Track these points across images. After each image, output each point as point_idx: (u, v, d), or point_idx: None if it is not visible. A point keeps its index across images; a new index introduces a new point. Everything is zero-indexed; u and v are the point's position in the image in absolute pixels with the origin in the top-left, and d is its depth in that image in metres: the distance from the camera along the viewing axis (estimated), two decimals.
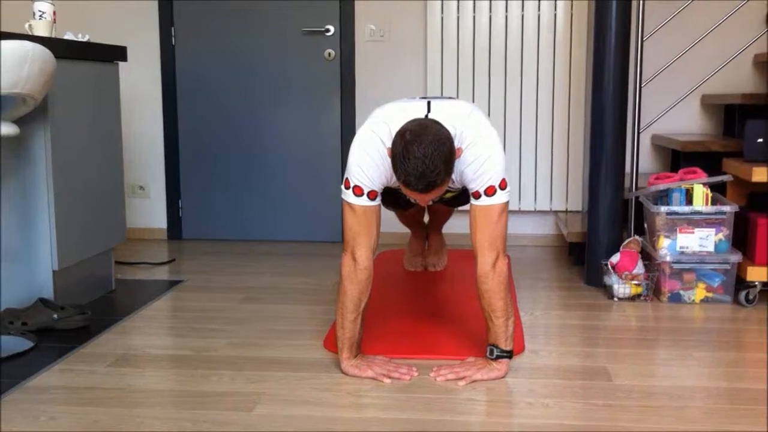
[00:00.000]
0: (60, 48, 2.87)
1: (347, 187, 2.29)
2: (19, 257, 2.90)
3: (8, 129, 2.50)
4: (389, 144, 2.19)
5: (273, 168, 4.43)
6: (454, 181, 2.31)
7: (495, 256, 2.25)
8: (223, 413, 2.05)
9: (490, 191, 2.23)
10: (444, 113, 2.24)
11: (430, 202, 2.35)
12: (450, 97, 2.48)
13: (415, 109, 2.27)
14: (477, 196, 2.25)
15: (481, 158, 2.21)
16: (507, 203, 2.28)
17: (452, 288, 3.29)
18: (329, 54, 4.29)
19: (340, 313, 2.31)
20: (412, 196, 2.15)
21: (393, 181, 2.30)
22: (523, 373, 2.32)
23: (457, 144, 2.19)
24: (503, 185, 2.24)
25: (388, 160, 2.21)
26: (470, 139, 2.22)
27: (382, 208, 2.44)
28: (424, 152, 2.02)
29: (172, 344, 2.68)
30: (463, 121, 2.23)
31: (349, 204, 2.30)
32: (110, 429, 1.96)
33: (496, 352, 2.28)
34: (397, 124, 2.17)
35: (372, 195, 2.27)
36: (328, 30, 4.29)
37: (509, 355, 2.29)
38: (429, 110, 2.26)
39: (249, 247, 4.30)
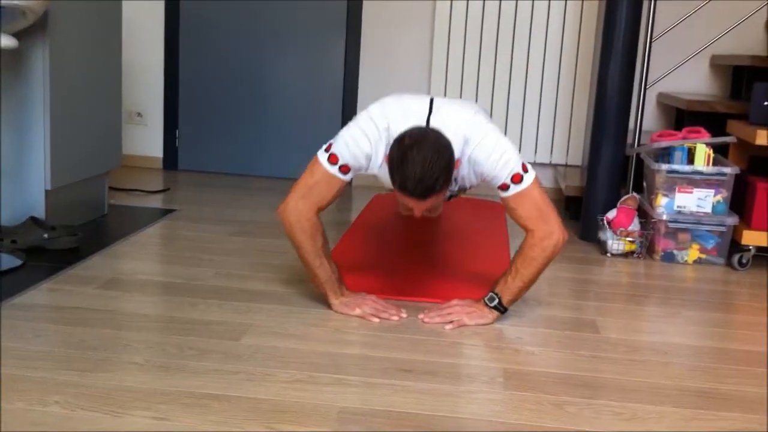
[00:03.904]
0: None
1: (327, 150, 2.24)
2: (12, 175, 2.87)
3: (7, 41, 2.45)
4: (384, 139, 2.16)
5: (273, 104, 4.38)
6: (467, 180, 2.28)
7: (551, 227, 2.20)
8: (209, 341, 2.05)
9: (516, 179, 2.17)
10: (446, 115, 2.18)
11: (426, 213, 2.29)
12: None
13: (417, 110, 2.20)
14: (505, 188, 2.19)
15: (495, 152, 2.16)
16: (537, 178, 2.22)
17: (445, 233, 3.28)
18: None
19: (306, 265, 2.29)
20: (408, 204, 2.10)
21: (374, 175, 2.27)
22: (511, 320, 2.32)
23: (459, 151, 2.14)
24: (525, 168, 2.19)
25: (376, 150, 2.18)
26: (477, 139, 2.16)
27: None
28: (423, 157, 1.98)
29: (162, 271, 2.68)
30: (467, 125, 2.17)
31: (318, 163, 2.24)
32: (95, 349, 1.96)
33: (496, 302, 2.27)
34: (397, 122, 2.13)
35: (344, 169, 2.23)
36: None
37: (504, 311, 2.29)
38: (431, 111, 2.19)
39: (244, 182, 4.27)
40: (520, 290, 2.26)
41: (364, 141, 2.19)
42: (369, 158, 2.21)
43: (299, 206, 2.25)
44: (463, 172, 2.24)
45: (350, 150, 2.20)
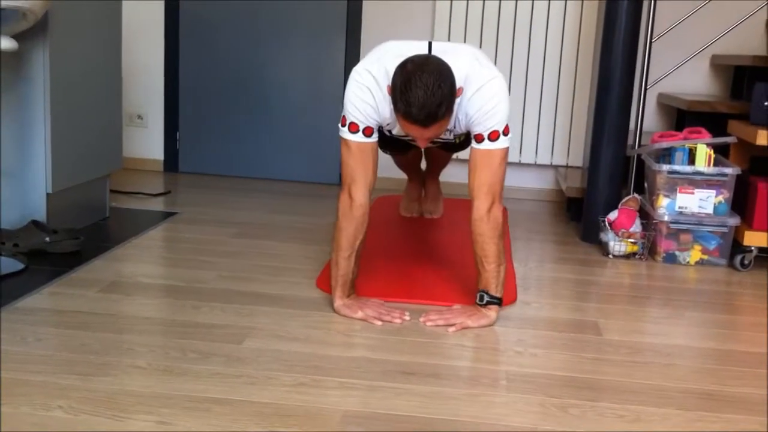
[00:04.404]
0: None
1: (343, 125, 2.27)
2: (13, 178, 2.86)
3: (7, 43, 2.45)
4: (384, 82, 2.16)
5: (273, 105, 4.38)
6: (458, 124, 2.28)
7: (491, 201, 2.24)
8: (212, 344, 2.05)
9: (493, 136, 2.20)
10: (447, 54, 2.18)
11: (430, 144, 2.31)
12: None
13: (415, 49, 2.22)
14: (480, 139, 2.22)
15: (489, 103, 2.18)
16: (507, 149, 2.25)
17: (447, 235, 3.28)
18: None
19: (335, 250, 2.31)
20: (412, 132, 2.11)
21: (388, 122, 2.27)
22: (513, 322, 2.32)
23: (459, 84, 2.14)
24: (506, 131, 2.22)
25: (383, 98, 2.19)
26: (478, 83, 2.18)
27: (380, 152, 2.41)
28: (426, 82, 1.99)
29: (164, 274, 2.68)
30: (469, 64, 2.19)
31: (345, 141, 2.27)
32: (97, 353, 1.95)
33: (486, 298, 2.27)
34: (394, 63, 2.13)
35: (368, 132, 2.25)
36: None
37: (499, 301, 2.28)
38: (430, 51, 2.21)
39: (245, 184, 4.27)
40: (497, 272, 2.26)
41: (366, 94, 2.21)
42: (377, 109, 2.22)
43: (353, 193, 2.27)
44: (458, 113, 2.24)
45: (359, 110, 2.22)
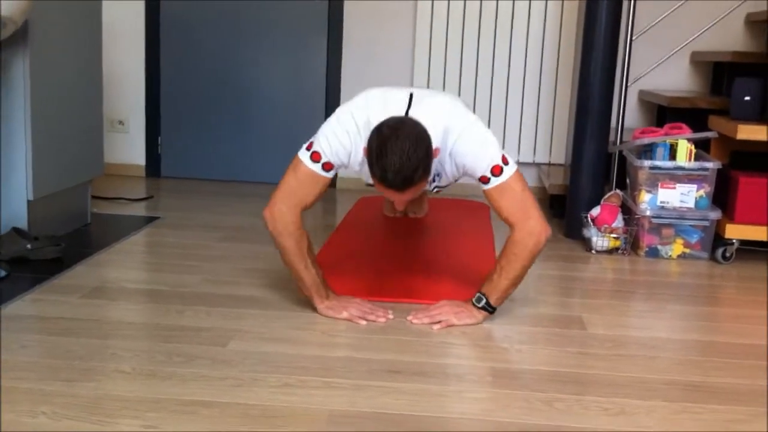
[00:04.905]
0: None
1: (308, 149, 2.23)
2: None
3: None
4: (365, 133, 2.14)
5: (255, 108, 4.37)
6: (446, 176, 2.28)
7: (533, 223, 2.19)
8: (197, 347, 2.04)
9: (496, 170, 2.17)
10: (426, 107, 2.18)
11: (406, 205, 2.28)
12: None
13: (397, 101, 2.20)
14: (486, 180, 2.19)
15: (476, 145, 2.17)
16: (519, 171, 2.22)
17: (431, 234, 3.28)
18: None
19: (291, 267, 2.28)
20: (388, 196, 2.11)
21: (356, 171, 2.27)
22: (498, 319, 2.32)
23: (439, 142, 2.14)
24: (505, 161, 2.19)
25: (359, 149, 2.17)
26: (458, 131, 2.16)
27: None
28: (401, 147, 1.97)
29: (147, 279, 2.66)
30: (447, 116, 2.17)
31: (299, 163, 2.23)
32: (82, 358, 1.94)
33: (483, 302, 2.27)
34: (376, 115, 2.12)
35: (327, 167, 2.22)
36: None
37: (493, 311, 2.29)
38: (410, 104, 2.19)
39: (228, 188, 4.26)
40: (506, 289, 2.26)
41: (344, 137, 2.19)
42: (349, 155, 2.21)
43: (284, 210, 2.24)
44: (446, 165, 2.23)
45: (331, 146, 2.20)
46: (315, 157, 2.21)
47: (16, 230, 2.74)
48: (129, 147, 4.47)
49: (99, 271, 2.69)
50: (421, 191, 2.13)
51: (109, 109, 4.34)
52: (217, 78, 4.36)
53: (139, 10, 4.32)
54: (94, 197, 3.52)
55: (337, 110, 2.26)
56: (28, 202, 2.86)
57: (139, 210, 3.64)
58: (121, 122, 4.44)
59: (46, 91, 2.89)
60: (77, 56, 3.11)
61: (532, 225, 2.19)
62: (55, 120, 2.98)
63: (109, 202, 3.74)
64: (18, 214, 2.86)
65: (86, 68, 3.18)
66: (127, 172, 4.46)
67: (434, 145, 2.10)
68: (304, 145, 2.26)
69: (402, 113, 2.15)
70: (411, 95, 2.23)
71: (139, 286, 2.57)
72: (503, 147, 4.14)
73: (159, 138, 4.45)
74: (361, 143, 2.17)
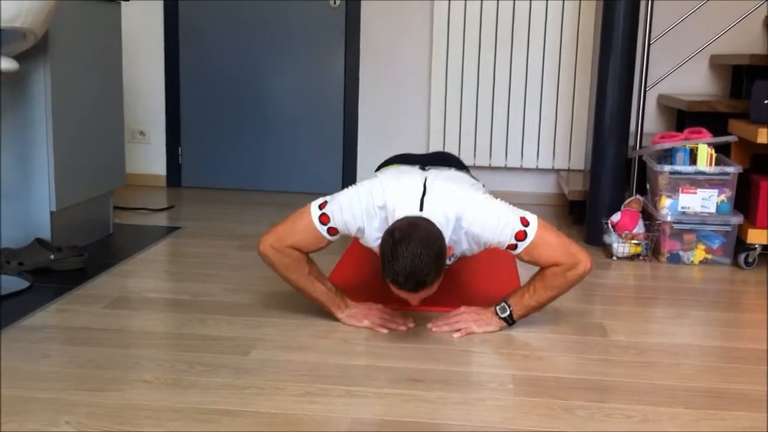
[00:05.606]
0: None
1: (320, 208, 2.22)
2: (17, 197, 2.88)
3: (8, 64, 2.46)
4: (381, 214, 2.15)
5: (274, 117, 4.40)
6: (470, 251, 2.28)
7: (578, 258, 2.19)
8: (219, 356, 2.05)
9: (520, 236, 2.16)
10: (439, 195, 2.15)
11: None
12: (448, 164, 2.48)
13: (412, 189, 2.17)
14: (513, 247, 2.18)
15: (491, 221, 2.16)
16: (541, 220, 2.21)
17: None
18: (334, 1, 4.23)
19: (299, 289, 2.30)
20: (401, 296, 2.09)
21: (365, 244, 2.27)
22: (518, 326, 2.31)
23: (453, 228, 2.14)
24: (525, 222, 2.18)
25: (367, 226, 2.18)
26: (469, 214, 2.15)
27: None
28: (413, 251, 1.96)
29: (169, 288, 2.68)
30: (459, 203, 2.16)
31: (308, 214, 2.23)
32: (105, 368, 1.96)
33: (507, 313, 2.27)
34: (393, 201, 2.13)
35: (332, 231, 2.22)
36: None
37: (512, 323, 2.29)
38: (425, 191, 2.16)
39: (248, 197, 4.28)
40: (532, 309, 2.27)
41: (359, 213, 2.18)
42: (361, 231, 2.21)
43: (276, 247, 2.24)
44: (464, 246, 2.23)
45: (343, 216, 2.19)
46: (323, 219, 2.21)
47: (39, 241, 2.77)
48: (150, 157, 4.51)
49: (121, 281, 2.71)
50: (433, 291, 2.11)
51: (129, 119, 4.38)
52: (236, 88, 4.39)
53: (158, 19, 4.36)
54: (116, 207, 3.55)
55: (359, 185, 2.24)
56: (51, 213, 2.89)
57: (161, 220, 3.67)
58: (142, 132, 4.48)
59: (67, 102, 2.92)
60: (98, 67, 3.14)
61: (577, 259, 2.19)
62: (77, 131, 3.01)
63: (130, 212, 3.77)
64: (41, 225, 2.89)
65: (107, 79, 3.22)
66: (148, 182, 4.50)
67: (448, 235, 2.10)
68: (318, 202, 2.24)
69: (417, 202, 2.13)
70: (425, 181, 2.20)
71: (161, 295, 2.59)
72: (522, 154, 4.16)
73: (179, 148, 4.48)
74: (375, 223, 2.17)
